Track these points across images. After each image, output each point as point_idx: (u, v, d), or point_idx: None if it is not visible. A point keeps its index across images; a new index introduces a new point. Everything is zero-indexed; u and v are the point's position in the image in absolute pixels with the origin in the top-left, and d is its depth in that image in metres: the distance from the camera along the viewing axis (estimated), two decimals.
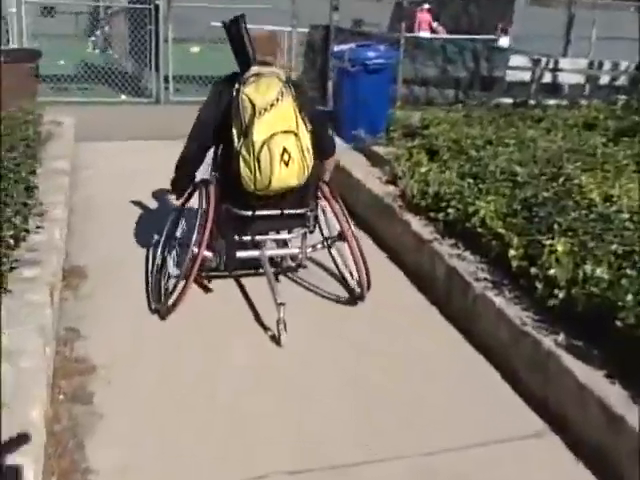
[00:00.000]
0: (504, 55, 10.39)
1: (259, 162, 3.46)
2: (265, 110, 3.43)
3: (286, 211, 3.76)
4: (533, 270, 3.47)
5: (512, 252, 3.66)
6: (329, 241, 4.12)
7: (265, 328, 3.70)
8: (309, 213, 3.88)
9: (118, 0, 13.03)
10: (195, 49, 23.75)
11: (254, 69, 3.61)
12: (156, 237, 4.17)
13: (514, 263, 3.63)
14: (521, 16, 16.89)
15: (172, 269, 3.89)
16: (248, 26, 3.72)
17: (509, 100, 8.39)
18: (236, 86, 3.56)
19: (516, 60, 9.28)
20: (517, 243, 3.69)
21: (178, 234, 4.06)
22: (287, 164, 3.47)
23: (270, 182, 3.50)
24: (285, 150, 3.44)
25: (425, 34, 18.41)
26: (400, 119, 6.77)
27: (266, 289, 3.77)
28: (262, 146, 3.44)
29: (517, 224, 3.85)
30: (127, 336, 3.59)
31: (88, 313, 3.77)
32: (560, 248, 3.41)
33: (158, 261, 4.03)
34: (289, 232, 4.03)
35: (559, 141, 5.63)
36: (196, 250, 3.62)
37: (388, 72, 6.83)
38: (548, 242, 3.53)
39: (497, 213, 4.02)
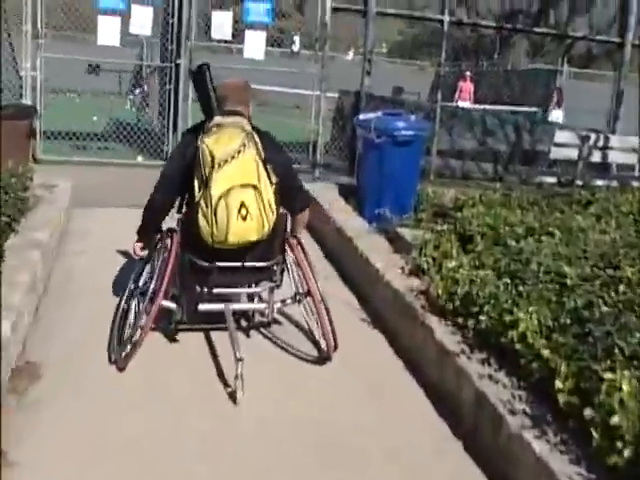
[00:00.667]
0: (549, 129, 9.70)
1: (216, 216, 3.38)
2: (225, 162, 3.35)
3: (247, 264, 3.66)
4: (587, 412, 2.67)
5: (559, 383, 2.87)
6: (297, 297, 3.96)
7: (225, 384, 3.50)
8: (275, 267, 3.80)
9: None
10: None
11: (217, 119, 3.55)
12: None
13: (561, 398, 2.84)
14: (564, 90, 16.29)
15: (131, 319, 3.76)
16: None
17: (553, 179, 7.66)
18: (200, 136, 3.49)
19: (562, 136, 8.55)
20: (565, 371, 2.90)
21: (141, 283, 3.89)
22: (245, 219, 3.37)
23: (227, 236, 3.41)
24: (243, 204, 3.36)
25: (464, 104, 17.98)
26: (431, 197, 6.09)
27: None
28: (219, 199, 3.36)
29: (566, 344, 3.07)
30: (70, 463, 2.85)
31: (28, 428, 3.04)
32: (625, 387, 2.61)
33: (120, 310, 3.82)
34: (255, 285, 3.93)
35: (613, 232, 4.85)
36: (152, 301, 3.53)
37: (419, 145, 6.15)
38: (607, 375, 2.73)
39: (540, 327, 3.24)
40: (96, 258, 5.12)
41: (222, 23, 8.53)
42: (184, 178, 3.58)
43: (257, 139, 3.50)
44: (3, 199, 4.52)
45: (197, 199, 3.43)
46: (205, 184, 3.40)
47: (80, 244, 5.38)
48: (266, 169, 3.45)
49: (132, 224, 4.09)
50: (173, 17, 8.42)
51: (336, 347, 3.75)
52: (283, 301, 4.00)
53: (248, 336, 4.05)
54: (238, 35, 9.01)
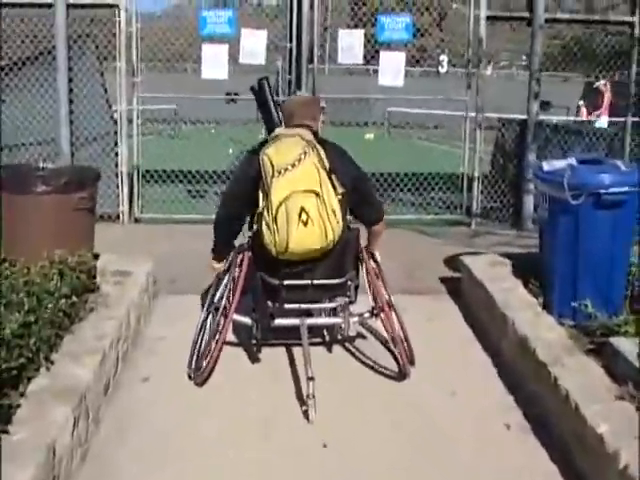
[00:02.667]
0: None
1: (277, 223, 3.34)
2: (285, 170, 3.33)
3: (316, 281, 3.57)
4: None
5: None
6: (374, 311, 3.87)
7: (301, 401, 3.41)
8: (348, 283, 3.71)
9: None
10: (370, 136, 22.13)
11: (277, 130, 3.63)
12: None
13: None
14: None
15: (207, 336, 3.78)
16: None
17: None
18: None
19: None
20: None
21: (216, 299, 3.90)
22: (305, 224, 3.31)
23: (287, 244, 3.34)
24: (303, 209, 3.30)
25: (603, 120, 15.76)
26: None
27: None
28: (279, 206, 3.33)
29: None
30: None
31: None
32: None
33: (199, 327, 3.86)
34: (329, 301, 3.82)
35: None
36: (223, 318, 3.67)
37: (633, 207, 4.17)
38: None
39: None
40: (169, 386, 3.58)
41: (351, 44, 6.90)
42: (248, 194, 3.54)
43: (320, 149, 3.43)
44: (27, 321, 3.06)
45: (261, 210, 3.44)
46: (267, 193, 3.38)
47: (146, 367, 3.84)
48: (330, 178, 3.40)
49: None
50: (291, 41, 6.88)
51: (412, 362, 3.74)
52: (360, 315, 3.92)
53: (329, 351, 4.08)
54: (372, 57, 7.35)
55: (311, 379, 3.32)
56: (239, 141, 10.29)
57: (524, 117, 7.09)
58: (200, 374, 3.59)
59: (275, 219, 3.34)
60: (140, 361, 3.90)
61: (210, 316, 3.86)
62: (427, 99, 9.31)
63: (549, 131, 7.21)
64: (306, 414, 3.31)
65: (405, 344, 3.71)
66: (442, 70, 7.07)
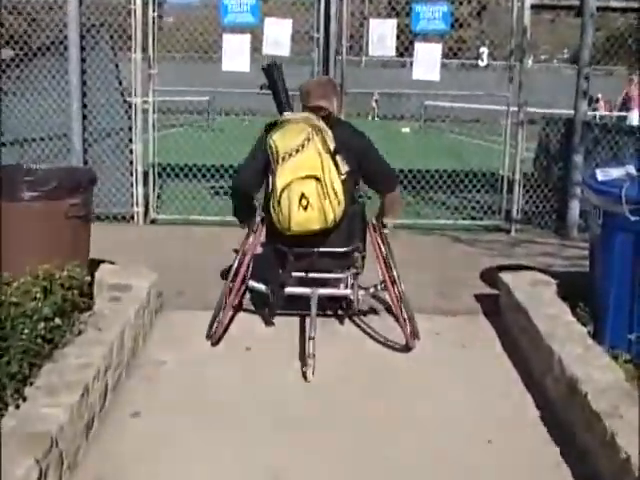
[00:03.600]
0: None
1: (280, 206, 3.56)
2: (290, 155, 3.50)
3: (322, 249, 3.77)
4: None
5: None
6: (382, 284, 4.01)
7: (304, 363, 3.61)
8: (356, 253, 3.88)
9: None
10: (406, 129, 21.53)
11: (285, 115, 3.77)
12: None
13: None
14: None
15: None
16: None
17: None
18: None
19: None
20: None
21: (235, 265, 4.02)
22: (305, 208, 3.51)
23: (290, 225, 3.57)
24: (303, 195, 3.49)
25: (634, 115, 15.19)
26: None
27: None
28: (282, 191, 3.52)
29: None
30: None
31: None
32: None
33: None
34: (338, 272, 3.92)
35: None
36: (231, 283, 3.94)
37: None
38: None
39: None
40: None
41: (383, 34, 6.38)
42: (257, 170, 3.77)
43: (326, 131, 3.56)
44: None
45: (269, 190, 3.68)
46: (273, 177, 3.59)
47: (139, 399, 3.40)
48: (334, 159, 3.54)
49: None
50: (319, 31, 6.38)
51: (416, 336, 3.90)
52: (366, 289, 4.05)
53: (341, 323, 4.28)
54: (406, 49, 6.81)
55: (311, 339, 3.54)
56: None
57: (570, 114, 6.50)
58: (214, 335, 3.93)
59: (279, 202, 3.56)
60: (133, 391, 3.45)
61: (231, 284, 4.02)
62: (465, 94, 8.69)
63: (598, 131, 6.59)
64: (305, 374, 3.53)
65: (407, 316, 3.87)
66: (482, 64, 6.50)
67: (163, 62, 6.82)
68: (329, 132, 3.59)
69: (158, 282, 4.37)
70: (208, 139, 10.56)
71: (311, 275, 3.92)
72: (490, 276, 5.09)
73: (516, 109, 6.54)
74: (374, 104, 21.39)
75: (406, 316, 3.87)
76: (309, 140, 3.53)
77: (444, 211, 7.15)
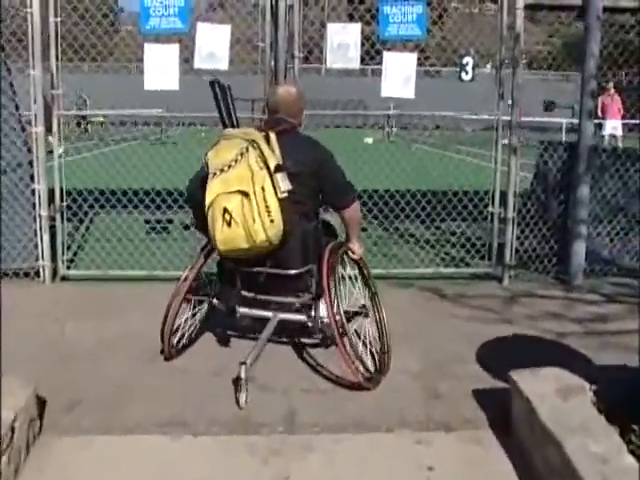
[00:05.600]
0: None
1: (208, 222, 3.45)
2: (221, 171, 3.40)
3: (272, 270, 3.60)
4: None
5: None
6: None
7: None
8: (308, 277, 3.65)
9: None
10: (369, 139, 20.35)
11: (225, 131, 3.70)
12: None
13: None
14: None
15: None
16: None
17: None
18: None
19: None
20: None
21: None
22: (229, 224, 3.35)
23: (216, 243, 3.44)
24: (226, 210, 3.35)
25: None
26: None
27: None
28: (209, 207, 3.42)
29: None
30: None
31: None
32: None
33: None
34: (290, 295, 3.73)
35: None
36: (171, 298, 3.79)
37: None
38: None
39: None
40: None
41: (344, 43, 5.16)
42: (200, 185, 3.57)
43: (265, 146, 3.40)
44: None
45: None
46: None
47: None
48: (272, 176, 3.35)
49: None
50: (264, 41, 5.14)
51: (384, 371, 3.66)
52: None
53: (301, 353, 4.00)
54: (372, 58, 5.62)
55: (243, 364, 3.38)
56: None
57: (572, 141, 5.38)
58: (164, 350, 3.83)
59: (208, 219, 3.43)
60: None
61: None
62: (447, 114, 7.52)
63: (606, 157, 5.46)
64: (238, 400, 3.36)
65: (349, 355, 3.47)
66: (466, 77, 5.31)
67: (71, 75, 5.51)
68: (273, 147, 3.44)
69: (44, 386, 3.13)
70: (157, 155, 9.29)
71: (259, 297, 3.75)
72: (490, 357, 3.94)
73: (505, 128, 5.39)
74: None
75: (345, 355, 3.45)
76: (242, 155, 3.38)
77: (421, 255, 5.94)
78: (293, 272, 3.60)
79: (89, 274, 5.41)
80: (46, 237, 5.26)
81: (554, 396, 3.00)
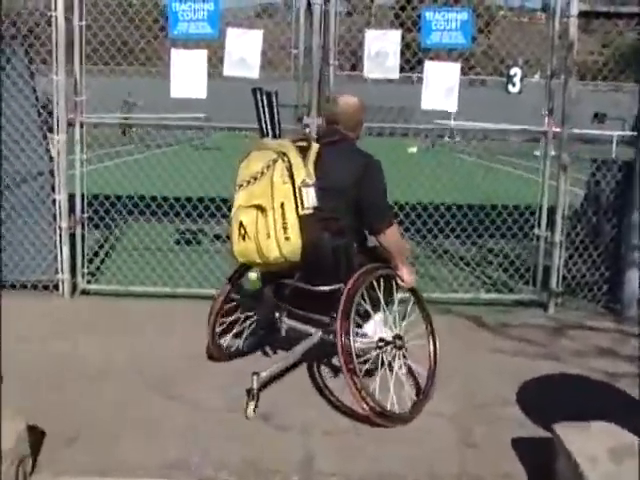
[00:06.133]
0: None
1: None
2: (248, 183, 3.34)
3: (300, 285, 3.50)
4: None
5: None
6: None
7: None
8: (337, 296, 3.36)
9: None
10: (413, 149, 19.89)
11: (261, 142, 3.65)
12: None
13: None
14: None
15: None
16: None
17: None
18: None
19: None
20: None
21: None
22: (244, 238, 3.31)
23: (235, 254, 3.42)
24: (241, 224, 3.31)
25: None
26: None
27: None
28: (231, 219, 3.42)
29: None
30: None
31: None
32: None
33: None
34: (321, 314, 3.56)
35: None
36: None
37: None
38: None
39: None
40: None
41: (383, 51, 4.84)
42: None
43: (295, 159, 3.27)
44: None
45: None
46: None
47: None
48: (295, 191, 3.22)
49: None
50: (297, 47, 4.85)
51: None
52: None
53: (324, 383, 3.73)
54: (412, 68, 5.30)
55: (255, 374, 3.36)
56: None
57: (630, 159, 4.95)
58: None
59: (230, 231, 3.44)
60: None
61: None
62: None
63: None
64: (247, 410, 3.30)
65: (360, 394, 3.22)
66: (513, 89, 4.94)
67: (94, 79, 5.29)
68: (308, 161, 3.32)
69: (43, 414, 2.91)
70: (197, 160, 9.14)
71: (293, 310, 3.67)
72: (533, 399, 3.57)
73: (555, 146, 5.00)
74: None
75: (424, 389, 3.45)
76: (268, 167, 3.28)
77: (461, 276, 5.57)
78: (319, 289, 3.43)
79: (109, 289, 5.17)
80: (66, 250, 5.03)
81: (606, 459, 2.62)
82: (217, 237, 6.62)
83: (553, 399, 3.59)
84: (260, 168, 3.29)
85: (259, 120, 3.89)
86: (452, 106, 4.86)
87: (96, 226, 5.41)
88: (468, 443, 3.17)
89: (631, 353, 4.27)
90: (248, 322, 3.88)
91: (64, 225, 5.00)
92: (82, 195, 5.05)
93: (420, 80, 4.99)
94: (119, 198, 5.64)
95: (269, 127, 3.87)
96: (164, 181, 6.70)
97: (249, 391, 3.34)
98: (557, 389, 3.76)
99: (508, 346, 4.35)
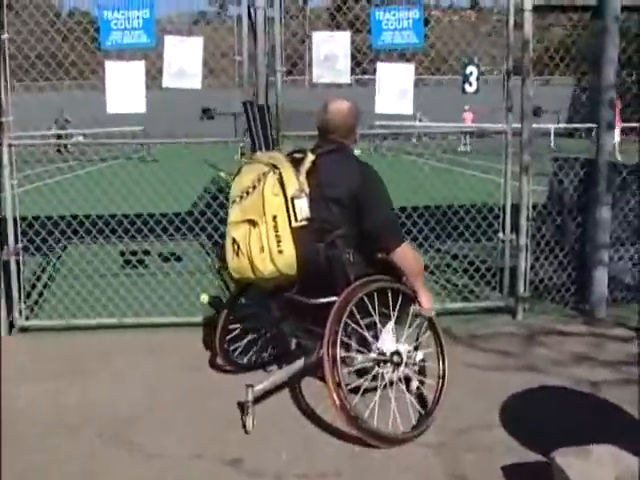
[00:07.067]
0: None
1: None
2: (241, 198, 3.25)
3: (295, 297, 3.33)
4: None
5: None
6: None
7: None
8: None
9: None
10: (357, 152, 19.69)
11: (255, 155, 3.60)
12: None
13: None
14: None
15: None
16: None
17: None
18: None
19: None
20: None
21: None
22: (237, 254, 3.23)
23: (230, 271, 3.34)
24: (234, 240, 3.25)
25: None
26: None
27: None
28: (226, 235, 3.36)
29: None
30: None
31: None
32: None
33: None
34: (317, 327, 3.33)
35: None
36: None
37: None
38: None
39: None
40: None
41: (332, 54, 4.58)
42: None
43: (287, 171, 3.15)
44: None
45: None
46: None
47: None
48: (287, 204, 3.12)
49: None
50: (241, 54, 4.55)
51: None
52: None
53: (303, 413, 3.47)
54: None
55: (250, 386, 3.29)
56: (213, 164, 8.10)
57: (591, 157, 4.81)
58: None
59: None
60: None
61: None
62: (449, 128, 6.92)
63: (626, 174, 4.90)
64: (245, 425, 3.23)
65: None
66: (470, 89, 4.74)
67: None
68: (300, 172, 3.22)
69: None
70: (136, 175, 8.75)
71: (294, 324, 3.62)
72: (517, 418, 3.36)
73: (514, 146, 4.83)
74: None
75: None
76: (259, 181, 3.18)
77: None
78: (316, 302, 3.28)
79: (51, 324, 4.76)
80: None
81: None
82: (165, 259, 6.29)
83: (538, 416, 3.38)
84: (251, 182, 3.21)
85: (250, 134, 3.94)
86: (407, 109, 4.64)
87: (32, 254, 4.99)
88: (457, 475, 2.93)
89: (609, 358, 4.12)
90: (256, 336, 3.84)
91: None
92: (14, 223, 4.63)
93: (373, 82, 4.76)
94: (57, 223, 5.24)
95: (261, 140, 3.90)
96: (100, 200, 6.33)
97: (242, 405, 3.28)
98: (540, 404, 3.55)
99: (481, 359, 4.14)
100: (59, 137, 15.77)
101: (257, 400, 3.35)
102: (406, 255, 3.30)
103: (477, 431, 3.26)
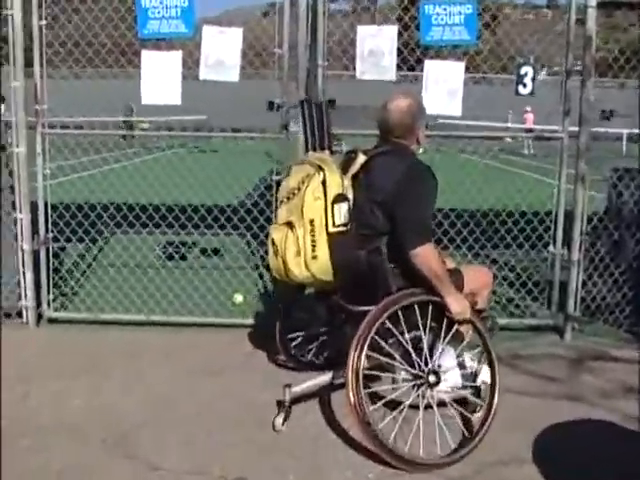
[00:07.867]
0: None
1: None
2: (288, 199, 3.20)
3: (342, 303, 3.26)
4: None
5: None
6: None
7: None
8: None
9: None
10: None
11: (305, 156, 3.61)
12: None
13: None
14: None
15: None
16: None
17: None
18: None
19: None
20: None
21: None
22: (276, 255, 3.19)
23: (272, 270, 3.32)
24: (273, 242, 3.22)
25: None
26: None
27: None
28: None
29: None
30: None
31: None
32: None
33: None
34: None
35: None
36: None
37: None
38: None
39: None
40: None
41: (377, 50, 4.33)
42: None
43: (331, 174, 3.06)
44: None
45: None
46: None
47: None
48: (326, 207, 3.03)
49: None
50: (281, 47, 4.34)
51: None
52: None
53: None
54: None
55: (287, 386, 3.30)
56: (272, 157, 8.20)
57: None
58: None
59: None
60: None
61: None
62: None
63: None
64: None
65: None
66: (524, 91, 4.40)
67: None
68: (348, 174, 3.16)
69: None
70: (193, 163, 8.75)
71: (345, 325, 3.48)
72: (552, 456, 3.08)
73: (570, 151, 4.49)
74: None
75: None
76: (303, 183, 3.11)
77: None
78: (359, 309, 3.17)
79: (79, 317, 4.67)
80: (29, 274, 4.55)
81: None
82: (206, 254, 6.20)
83: (576, 455, 3.08)
84: (297, 184, 3.15)
85: (305, 133, 3.89)
86: (455, 110, 4.35)
87: (62, 248, 4.92)
88: None
89: None
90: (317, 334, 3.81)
91: (27, 247, 4.52)
92: (45, 213, 4.56)
93: (418, 79, 4.49)
94: (93, 208, 5.16)
95: (316, 140, 3.83)
96: (154, 188, 6.27)
97: (280, 403, 3.29)
98: (580, 440, 3.25)
99: (521, 384, 3.83)
100: (125, 124, 15.97)
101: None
102: (429, 257, 3.03)
103: (505, 467, 2.99)
